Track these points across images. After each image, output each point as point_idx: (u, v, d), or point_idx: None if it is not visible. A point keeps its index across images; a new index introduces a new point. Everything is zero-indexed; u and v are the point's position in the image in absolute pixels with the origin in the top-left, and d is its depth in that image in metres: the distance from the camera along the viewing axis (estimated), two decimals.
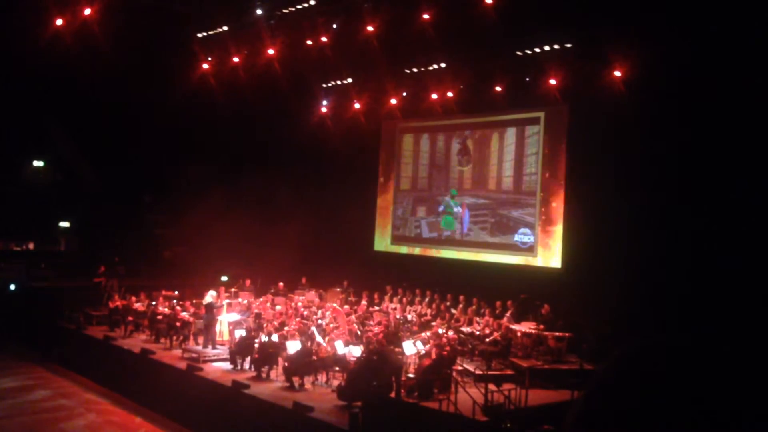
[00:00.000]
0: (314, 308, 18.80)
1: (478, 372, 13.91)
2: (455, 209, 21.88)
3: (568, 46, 17.46)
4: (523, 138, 20.23)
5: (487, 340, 15.49)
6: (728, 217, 14.22)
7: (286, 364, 14.11)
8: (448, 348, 13.72)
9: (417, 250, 22.97)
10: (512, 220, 20.23)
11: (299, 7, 18.80)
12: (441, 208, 22.32)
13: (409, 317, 17.99)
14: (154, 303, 18.74)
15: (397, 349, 15.66)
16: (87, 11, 17.67)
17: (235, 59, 20.98)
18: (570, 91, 18.04)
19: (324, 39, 19.13)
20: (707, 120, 14.70)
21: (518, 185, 20.29)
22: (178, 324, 17.22)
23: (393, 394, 12.61)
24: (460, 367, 14.41)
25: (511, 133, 20.62)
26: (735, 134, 14.26)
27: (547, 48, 17.82)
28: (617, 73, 16.25)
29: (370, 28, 17.85)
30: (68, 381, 17.25)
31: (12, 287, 22.71)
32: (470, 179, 21.69)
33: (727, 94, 14.25)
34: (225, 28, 20.57)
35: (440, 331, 15.44)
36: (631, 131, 16.01)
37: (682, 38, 14.36)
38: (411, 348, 14.61)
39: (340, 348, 14.27)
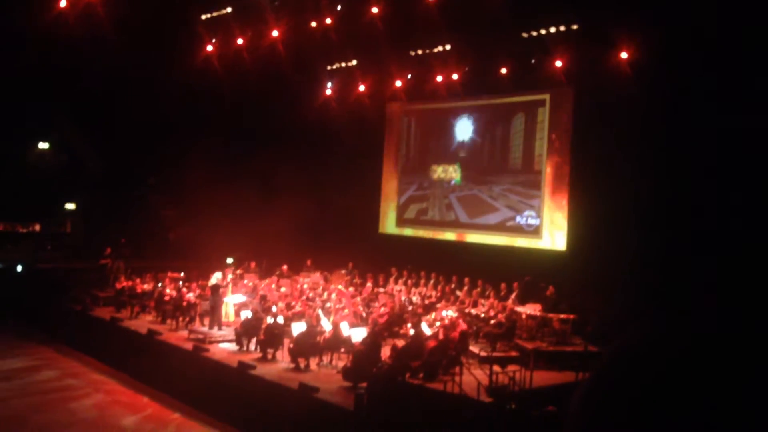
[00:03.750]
0: (319, 290, 18.89)
1: (482, 354, 13.97)
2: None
3: (574, 27, 17.37)
4: (528, 120, 20.16)
5: (492, 322, 15.53)
6: (734, 198, 14.18)
7: (291, 345, 14.18)
8: (458, 330, 13.75)
9: (422, 233, 23.00)
10: (517, 201, 20.25)
11: None
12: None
13: (414, 299, 18.05)
14: (160, 284, 18.84)
15: (401, 331, 15.76)
16: None
17: (239, 41, 20.93)
18: (575, 73, 17.98)
19: (328, 21, 19.08)
20: (713, 102, 14.61)
21: (523, 167, 20.26)
22: (184, 305, 17.34)
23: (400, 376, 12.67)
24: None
25: (515, 115, 20.55)
26: (742, 117, 14.17)
27: (552, 30, 17.72)
28: (623, 55, 16.20)
29: (374, 10, 17.79)
30: (75, 361, 17.39)
31: (19, 269, 22.83)
32: (475, 162, 21.66)
33: (733, 75, 14.16)
34: (229, 9, 20.47)
35: (445, 313, 15.49)
36: (637, 114, 15.96)
37: (687, 20, 14.25)
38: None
39: (346, 330, 14.33)
